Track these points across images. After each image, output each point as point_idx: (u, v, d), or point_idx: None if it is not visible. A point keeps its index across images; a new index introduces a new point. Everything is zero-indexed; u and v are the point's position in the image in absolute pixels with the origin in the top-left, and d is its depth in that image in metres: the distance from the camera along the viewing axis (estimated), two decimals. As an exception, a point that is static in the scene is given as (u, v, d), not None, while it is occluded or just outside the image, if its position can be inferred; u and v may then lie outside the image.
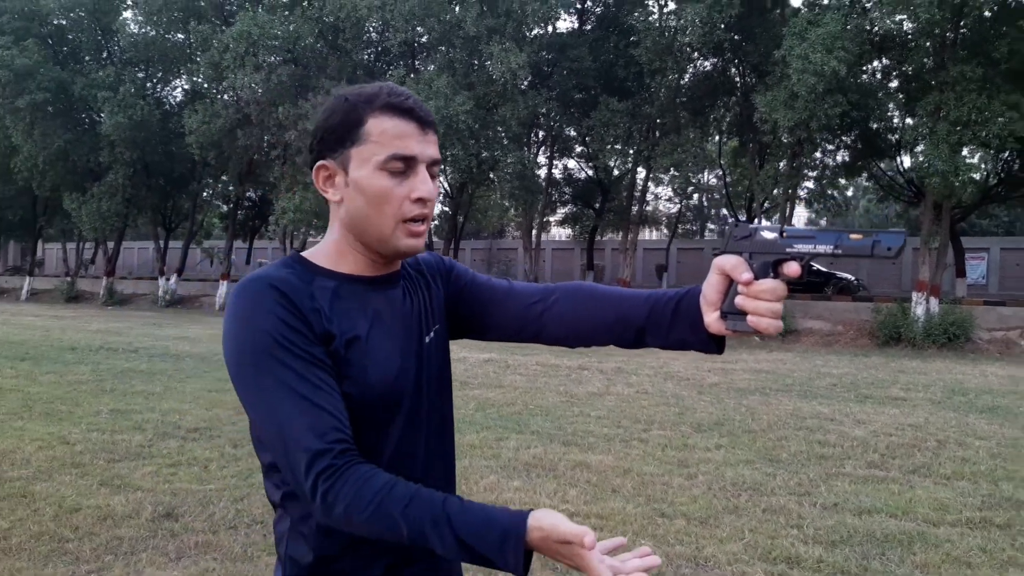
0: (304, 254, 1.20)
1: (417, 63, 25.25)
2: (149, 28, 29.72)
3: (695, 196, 38.34)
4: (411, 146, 1.12)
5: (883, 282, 31.74)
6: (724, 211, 43.72)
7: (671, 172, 24.42)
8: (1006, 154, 21.78)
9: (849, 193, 43.40)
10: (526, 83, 22.53)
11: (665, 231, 42.12)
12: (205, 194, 34.47)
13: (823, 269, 28.92)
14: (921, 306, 18.01)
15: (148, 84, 30.65)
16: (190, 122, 25.24)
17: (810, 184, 26.37)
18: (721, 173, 32.46)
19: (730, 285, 1.10)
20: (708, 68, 23.53)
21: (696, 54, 21.77)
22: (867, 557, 4.18)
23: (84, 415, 7.55)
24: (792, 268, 1.06)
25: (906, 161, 24.22)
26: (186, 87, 31.60)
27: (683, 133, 22.11)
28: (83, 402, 8.27)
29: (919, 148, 19.95)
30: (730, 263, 1.08)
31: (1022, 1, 17.10)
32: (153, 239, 34.77)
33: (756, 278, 1.07)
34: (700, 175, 35.46)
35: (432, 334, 1.27)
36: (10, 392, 8.83)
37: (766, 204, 25.84)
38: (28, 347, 13.85)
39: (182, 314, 27.32)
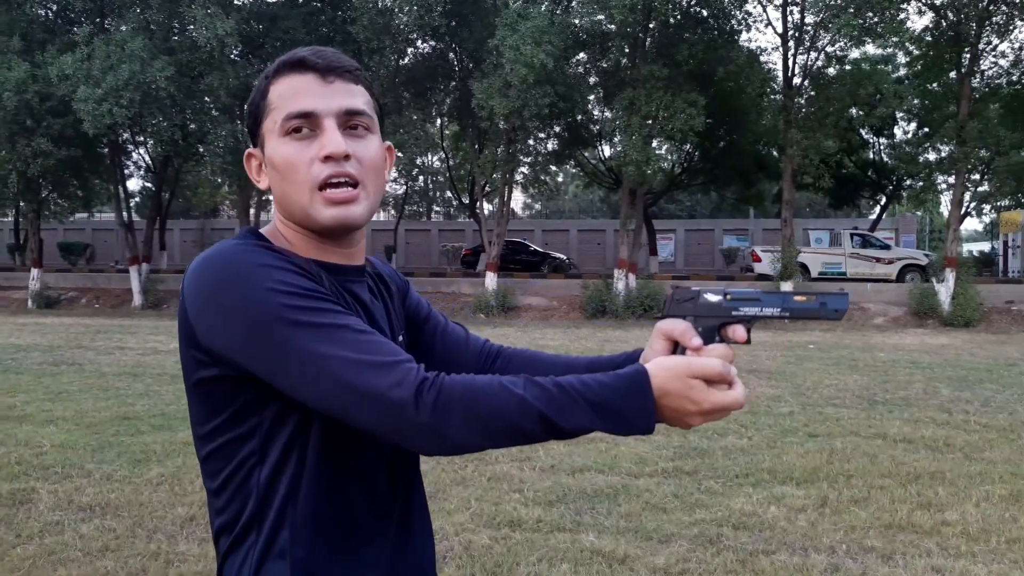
0: (263, 231, 1.07)
1: (107, 23, 22.57)
2: None
3: (420, 178, 38.85)
4: (306, 101, 1.00)
5: (591, 260, 34.71)
6: (448, 193, 44.88)
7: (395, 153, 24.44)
8: (687, 146, 24.74)
9: (560, 179, 46.72)
10: (236, 52, 21.15)
11: (392, 212, 42.20)
12: None
13: (539, 249, 30.86)
14: (622, 281, 19.91)
15: None
16: None
17: (525, 169, 27.93)
18: (444, 156, 33.17)
19: (675, 350, 1.06)
20: (427, 51, 23.81)
21: (415, 35, 21.91)
22: (580, 512, 4.47)
23: None
24: (739, 333, 1.03)
25: (606, 150, 26.60)
26: None
27: (404, 114, 22.18)
28: None
29: (616, 139, 21.96)
30: (678, 329, 1.04)
31: (702, 11, 19.39)
32: None
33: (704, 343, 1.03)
34: (424, 157, 35.97)
35: (402, 337, 1.17)
36: None
37: (487, 187, 26.90)
38: None
39: None
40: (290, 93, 1.01)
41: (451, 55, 23.72)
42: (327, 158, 0.99)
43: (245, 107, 1.09)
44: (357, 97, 1.04)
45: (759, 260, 23.39)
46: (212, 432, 1.01)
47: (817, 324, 16.15)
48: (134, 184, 35.41)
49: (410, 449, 0.94)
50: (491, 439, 0.93)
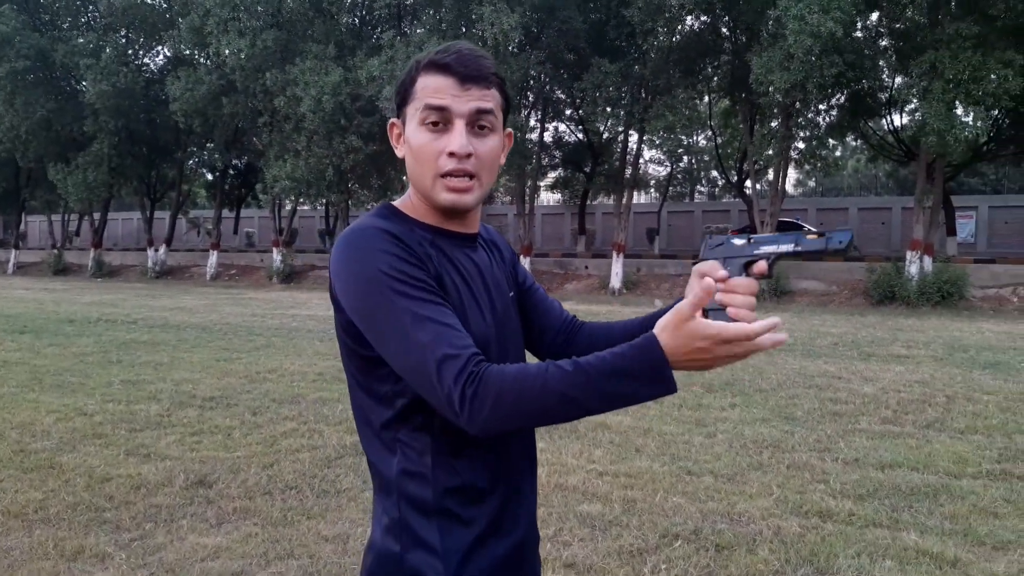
0: (394, 204, 1.27)
1: (405, 26, 24.86)
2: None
3: (685, 158, 38.22)
4: (443, 99, 1.16)
5: (874, 242, 31.97)
6: (714, 172, 43.71)
7: (662, 134, 24.25)
8: (996, 112, 21.80)
9: (838, 153, 43.47)
10: (516, 45, 22.23)
11: (655, 194, 42.02)
12: (190, 163, 34.04)
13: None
14: (915, 265, 18.18)
15: (130, 51, 30.03)
16: (173, 89, 24.83)
17: (800, 144, 26.36)
18: (711, 134, 32.33)
19: None
20: (699, 27, 23.29)
21: (687, 14, 21.53)
22: (896, 509, 4.26)
23: (96, 386, 7.52)
24: (760, 267, 1.18)
25: (897, 120, 24.27)
26: (168, 53, 31.00)
27: (674, 94, 21.94)
28: (92, 373, 8.22)
29: (911, 107, 19.98)
30: (707, 266, 1.19)
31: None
32: (139, 209, 34.38)
33: (731, 277, 1.19)
34: (691, 137, 35.34)
35: (512, 294, 1.37)
36: (16, 365, 8.76)
37: (757, 164, 25.83)
38: (25, 320, 13.72)
39: (173, 285, 27.12)
40: (432, 89, 1.17)
41: (724, 30, 23.02)
42: (451, 154, 1.17)
43: (396, 84, 1.26)
44: (487, 100, 1.19)
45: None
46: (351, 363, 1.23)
47: None
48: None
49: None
50: (517, 422, 1.07)
